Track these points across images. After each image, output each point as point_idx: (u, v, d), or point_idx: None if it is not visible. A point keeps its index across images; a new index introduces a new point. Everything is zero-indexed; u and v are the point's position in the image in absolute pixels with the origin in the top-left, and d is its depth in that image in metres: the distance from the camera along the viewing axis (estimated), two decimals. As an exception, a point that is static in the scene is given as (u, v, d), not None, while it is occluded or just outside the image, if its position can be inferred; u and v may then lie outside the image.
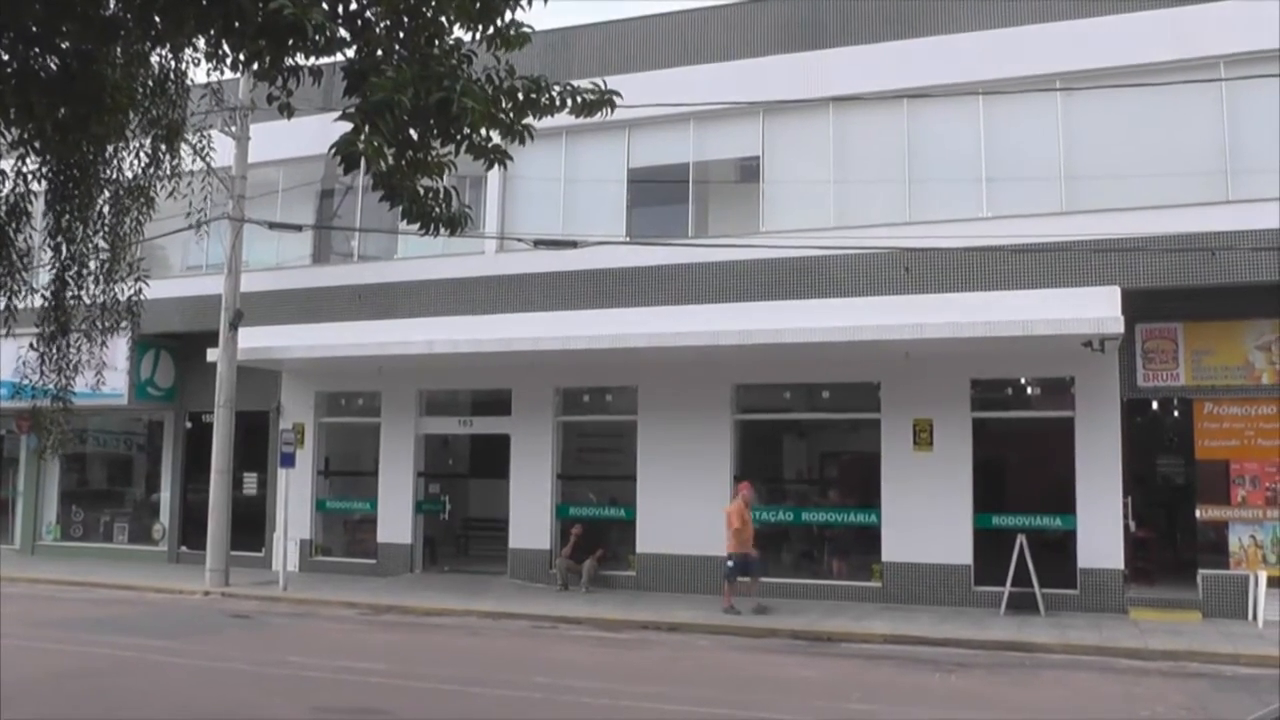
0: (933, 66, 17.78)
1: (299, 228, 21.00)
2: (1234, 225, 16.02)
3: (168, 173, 10.14)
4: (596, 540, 19.79)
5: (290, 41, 5.70)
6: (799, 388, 19.38)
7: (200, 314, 21.86)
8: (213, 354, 20.63)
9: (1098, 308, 15.72)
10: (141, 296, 10.16)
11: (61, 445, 10.80)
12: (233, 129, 20.05)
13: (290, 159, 21.68)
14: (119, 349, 11.83)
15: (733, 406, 19.30)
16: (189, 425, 24.38)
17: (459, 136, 6.65)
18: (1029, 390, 18.17)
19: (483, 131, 6.89)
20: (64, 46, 6.72)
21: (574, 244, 17.82)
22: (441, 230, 6.99)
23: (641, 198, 19.98)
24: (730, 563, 16.97)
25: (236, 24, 5.26)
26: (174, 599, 19.28)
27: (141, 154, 9.69)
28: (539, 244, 18.15)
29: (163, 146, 9.84)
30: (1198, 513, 17.00)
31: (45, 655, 13.26)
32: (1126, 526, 16.94)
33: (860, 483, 18.88)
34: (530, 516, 20.45)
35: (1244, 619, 16.00)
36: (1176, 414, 17.85)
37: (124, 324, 10.12)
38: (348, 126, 5.75)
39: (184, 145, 10.18)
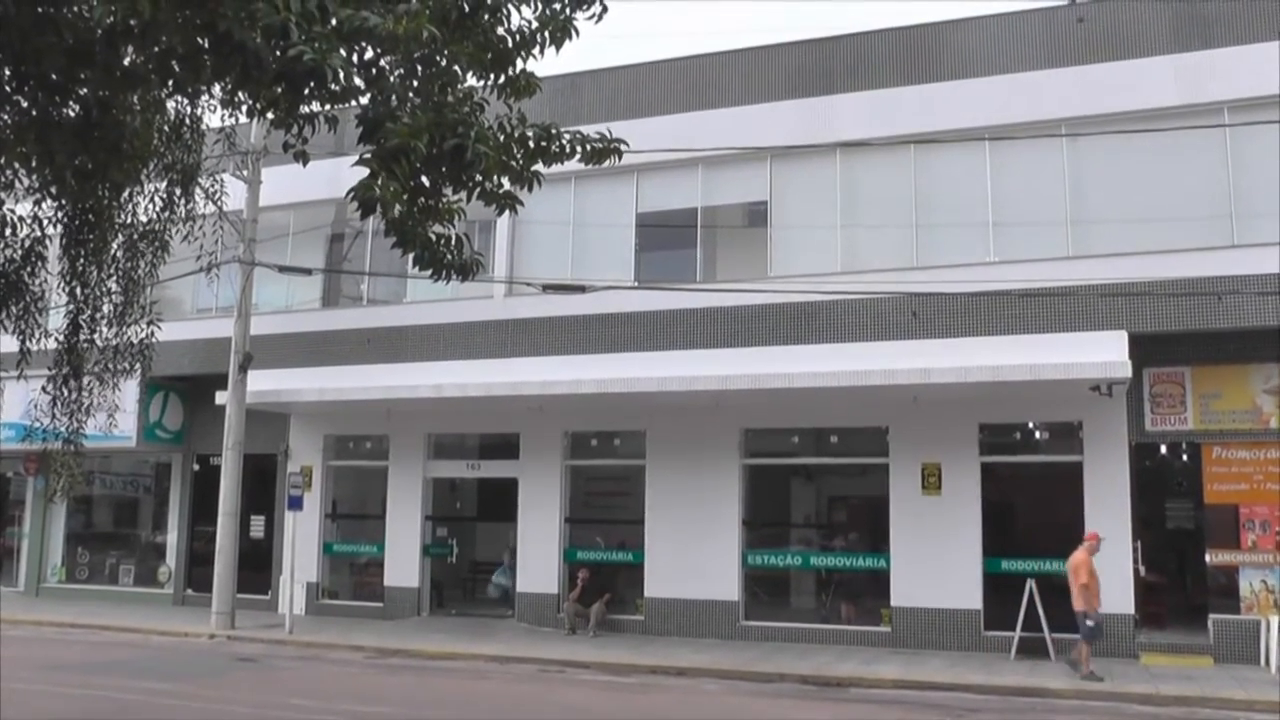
0: (940, 112, 17.95)
1: (309, 271, 21.15)
2: (1240, 270, 16.06)
3: (181, 216, 10.25)
4: (604, 584, 19.73)
5: (308, 88, 5.78)
6: (807, 432, 19.37)
7: (210, 356, 21.96)
8: (221, 397, 20.69)
9: (1105, 352, 15.77)
10: (153, 340, 10.21)
11: (72, 488, 10.82)
12: (244, 173, 20.26)
13: (301, 203, 21.88)
14: (128, 391, 11.88)
15: (741, 451, 19.29)
16: (196, 468, 24.40)
17: (471, 183, 6.72)
18: (1037, 434, 18.14)
19: (494, 178, 6.98)
20: (83, 94, 6.83)
21: (582, 288, 17.91)
22: (453, 277, 7.06)
23: (650, 242, 20.08)
24: (1090, 622, 15.14)
25: (253, 72, 5.35)
26: (179, 642, 19.21)
27: (156, 198, 9.79)
28: (548, 288, 18.23)
29: (177, 191, 9.95)
30: (1208, 557, 16.92)
31: (47, 698, 13.22)
32: (1136, 571, 16.87)
33: (869, 527, 18.85)
34: (538, 560, 20.39)
35: (1256, 664, 15.89)
36: (1185, 458, 17.82)
37: (135, 367, 10.18)
38: (363, 172, 5.82)
39: (197, 189, 10.29)
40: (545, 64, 7.26)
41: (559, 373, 18.67)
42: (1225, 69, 16.59)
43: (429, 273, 6.94)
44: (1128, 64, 17.19)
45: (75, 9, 5.88)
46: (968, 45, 18.29)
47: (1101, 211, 17.19)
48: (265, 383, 20.69)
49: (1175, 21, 17.19)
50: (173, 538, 24.58)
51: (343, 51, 5.39)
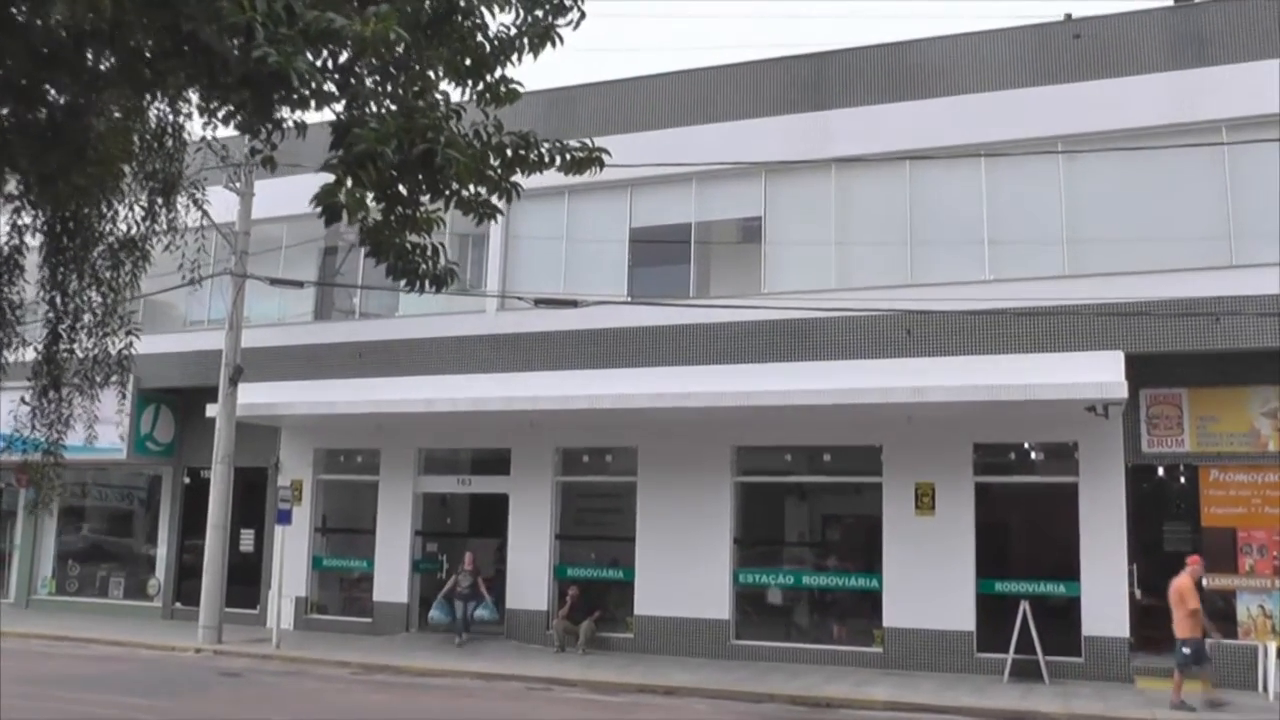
0: (935, 128, 17.87)
1: (300, 284, 21.04)
2: (1238, 290, 15.97)
3: (164, 227, 10.08)
4: (594, 601, 19.56)
5: (278, 94, 5.66)
6: (800, 450, 19.22)
7: (201, 369, 21.83)
8: (212, 409, 20.54)
9: (1101, 372, 15.63)
10: (133, 350, 10.05)
11: (52, 500, 10.61)
12: (237, 185, 20.17)
13: (294, 215, 21.61)
14: (112, 403, 11.66)
15: (733, 468, 19.14)
16: (187, 481, 24.26)
17: (447, 191, 6.59)
18: (1032, 455, 17.99)
19: (471, 186, 6.85)
20: (50, 99, 6.69)
21: (574, 303, 17.82)
22: (428, 287, 6.92)
23: (643, 257, 19.96)
24: (1186, 649, 14.52)
25: (219, 75, 5.22)
26: (165, 656, 19.02)
27: (136, 207, 9.65)
28: (539, 303, 18.13)
29: (159, 200, 9.79)
30: (1204, 581, 16.72)
31: (28, 712, 13.02)
32: (1132, 594, 16.70)
33: (862, 547, 18.67)
34: (528, 577, 20.21)
35: (1254, 690, 15.67)
36: (1182, 480, 17.63)
37: (114, 378, 10.01)
38: (331, 179, 5.69)
39: (180, 200, 10.14)
40: (538, 77, 7.18)
41: (551, 388, 18.54)
42: (1222, 87, 16.52)
43: (403, 282, 6.81)
44: (1124, 81, 17.11)
45: (41, 12, 5.75)
46: (963, 61, 18.21)
47: (1098, 230, 17.07)
48: (256, 396, 20.56)
49: (1171, 39, 17.12)
50: (162, 551, 24.42)
51: (309, 55, 5.26)
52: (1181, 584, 14.82)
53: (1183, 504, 17.85)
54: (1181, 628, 14.67)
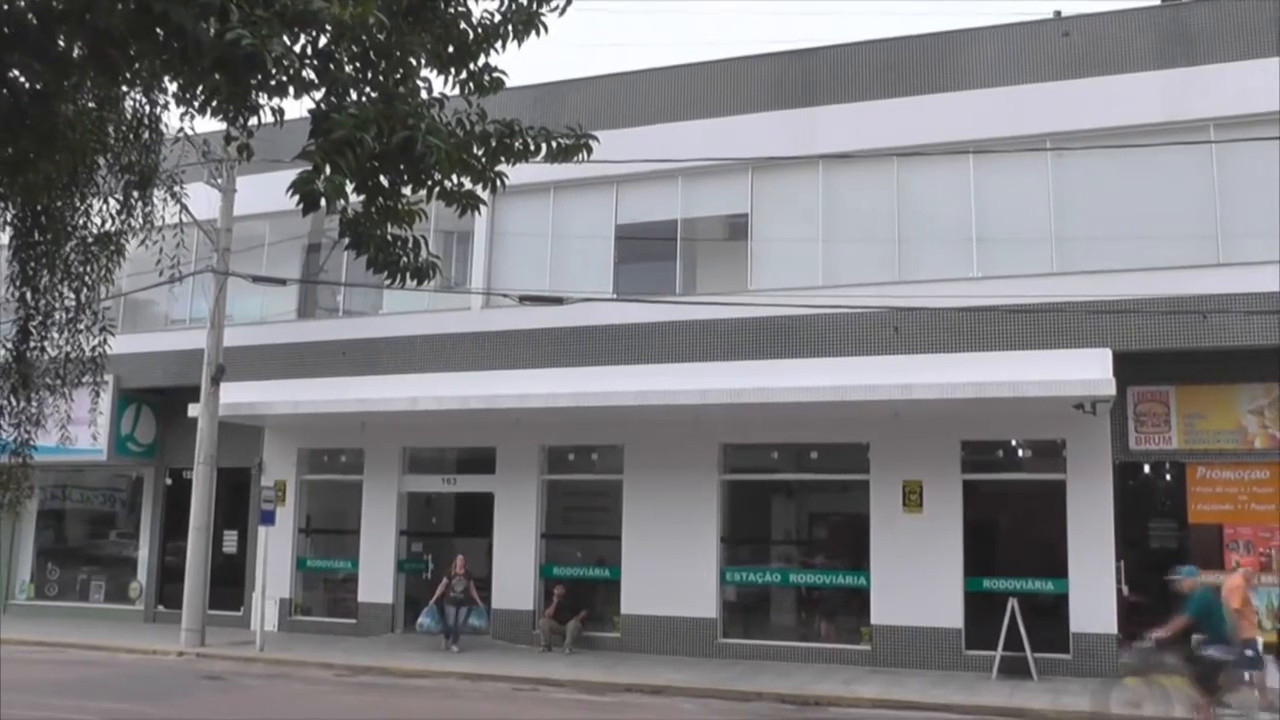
0: (923, 125, 17.77)
1: (283, 282, 20.81)
2: (1226, 288, 15.92)
3: (140, 222, 9.87)
4: (581, 601, 19.42)
5: (254, 79, 5.50)
6: (787, 448, 19.11)
7: (183, 368, 21.61)
8: (194, 409, 20.30)
9: (1089, 370, 15.58)
10: (107, 348, 9.85)
11: (17, 502, 10.34)
12: (219, 181, 19.97)
13: (277, 212, 21.41)
14: (87, 403, 11.34)
15: (720, 466, 19.03)
16: (169, 482, 24.01)
17: (429, 181, 6.45)
18: (1020, 452, 17.93)
19: (454, 178, 6.71)
20: (18, 83, 6.51)
21: (560, 300, 17.69)
22: (409, 280, 6.77)
23: (629, 254, 19.83)
24: (1249, 650, 13.78)
25: (191, 58, 5.05)
26: (147, 660, 18.81)
27: (112, 200, 9.44)
28: (525, 300, 17.99)
29: (135, 194, 9.58)
30: (1193, 578, 16.69)
31: None
32: (1119, 590, 16.65)
33: (849, 544, 18.58)
34: (514, 576, 20.06)
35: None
36: (1169, 477, 17.59)
37: (86, 378, 9.79)
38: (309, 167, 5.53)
39: (157, 194, 9.93)
40: (526, 72, 7.04)
41: (536, 386, 18.39)
42: (1211, 86, 16.48)
43: (384, 275, 6.66)
44: (1113, 79, 17.04)
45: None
46: (952, 58, 18.13)
47: (1086, 228, 17.01)
48: (239, 395, 20.34)
49: (1161, 37, 17.08)
50: (144, 553, 24.15)
51: (286, 39, 5.11)
52: (1231, 580, 14.58)
53: (1170, 501, 17.82)
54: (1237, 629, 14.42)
